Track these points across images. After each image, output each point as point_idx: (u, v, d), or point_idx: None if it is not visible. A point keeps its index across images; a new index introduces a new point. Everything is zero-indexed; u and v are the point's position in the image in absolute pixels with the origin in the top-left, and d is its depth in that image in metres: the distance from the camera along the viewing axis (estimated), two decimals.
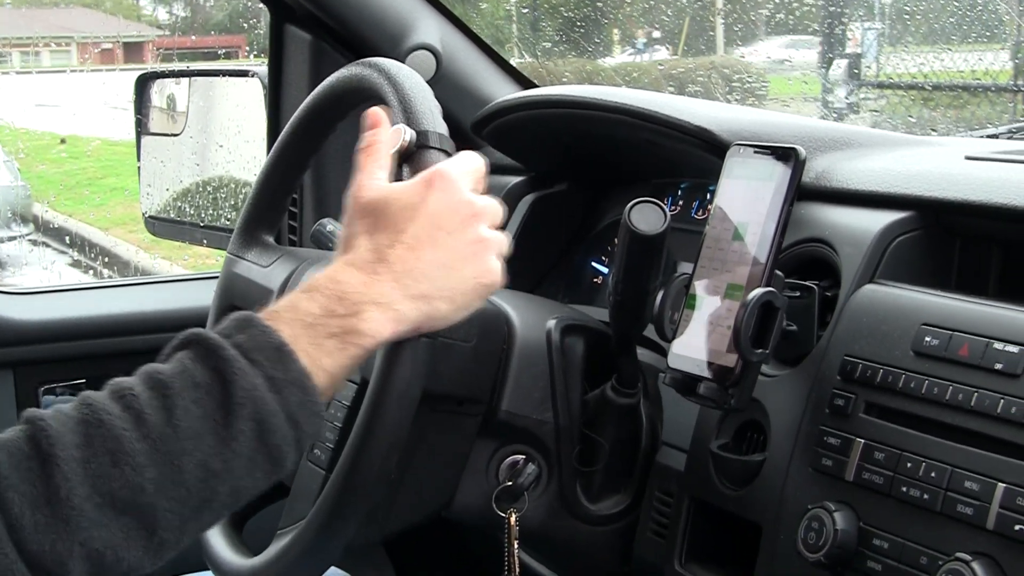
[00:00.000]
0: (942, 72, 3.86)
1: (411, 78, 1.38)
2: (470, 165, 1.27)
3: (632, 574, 1.52)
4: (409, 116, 1.32)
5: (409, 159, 1.30)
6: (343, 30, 2.03)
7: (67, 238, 5.96)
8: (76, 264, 5.85)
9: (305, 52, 2.06)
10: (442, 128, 1.32)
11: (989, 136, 1.82)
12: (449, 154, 1.31)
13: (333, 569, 1.72)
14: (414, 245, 1.17)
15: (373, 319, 1.13)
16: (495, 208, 1.24)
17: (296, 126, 1.57)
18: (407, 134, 1.30)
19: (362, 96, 1.46)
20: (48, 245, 5.88)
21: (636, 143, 1.67)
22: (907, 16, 4.26)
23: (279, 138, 1.59)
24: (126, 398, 1.05)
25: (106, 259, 5.74)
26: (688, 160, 1.64)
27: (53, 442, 1.01)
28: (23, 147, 6.77)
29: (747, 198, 1.31)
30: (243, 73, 2.34)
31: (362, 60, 1.44)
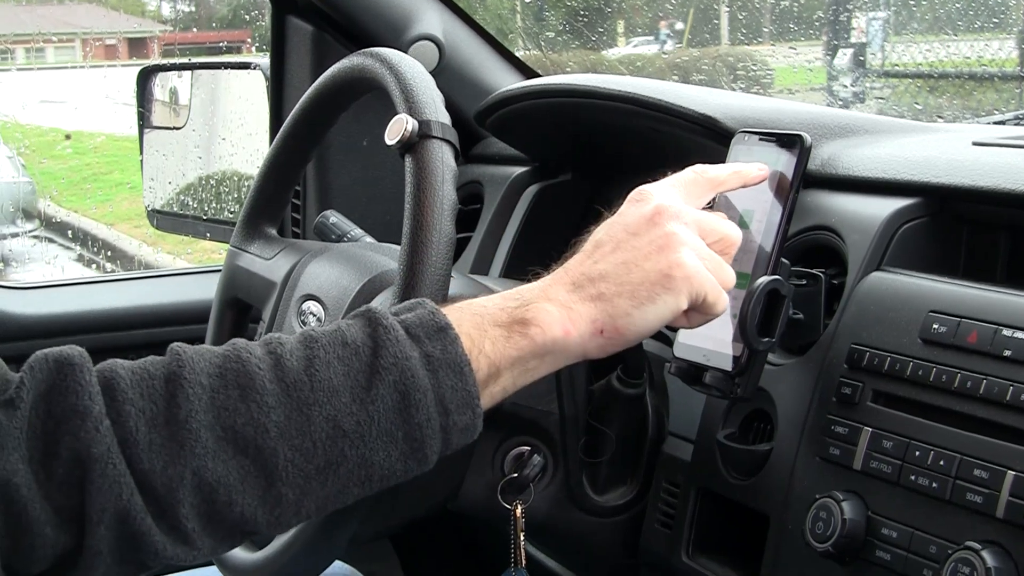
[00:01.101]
0: (948, 60, 3.85)
1: (413, 68, 1.37)
2: (678, 177, 1.21)
3: (639, 566, 1.51)
4: (411, 106, 1.32)
5: (411, 149, 1.29)
6: (345, 21, 2.02)
7: (72, 233, 5.96)
8: (81, 259, 5.85)
9: (307, 43, 2.05)
10: (444, 118, 1.32)
11: (996, 123, 1.81)
12: (452, 144, 1.31)
13: (338, 563, 1.72)
14: (592, 251, 1.14)
15: (542, 310, 1.10)
16: (702, 215, 1.18)
17: (298, 118, 1.56)
18: (409, 124, 1.29)
19: (364, 86, 1.45)
20: (53, 241, 5.87)
21: (640, 132, 1.66)
22: (912, 4, 4.25)
23: (281, 130, 1.59)
24: (271, 344, 1.04)
25: (110, 253, 5.73)
26: (693, 148, 1.63)
27: (183, 364, 1.00)
28: (29, 143, 6.77)
29: (753, 186, 1.30)
30: (245, 65, 2.33)
31: (363, 50, 1.44)
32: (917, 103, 3.47)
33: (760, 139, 1.32)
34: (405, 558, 2.18)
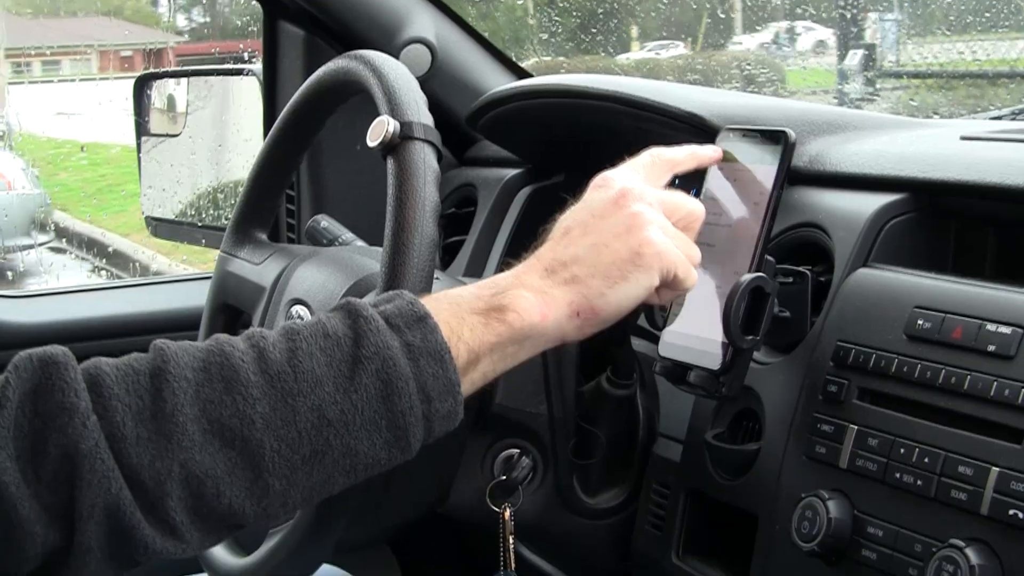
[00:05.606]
0: (959, 60, 3.83)
1: (396, 69, 1.36)
2: (636, 160, 1.25)
3: (631, 568, 1.50)
4: (393, 107, 1.31)
5: (393, 151, 1.29)
6: (336, 25, 2.01)
7: (87, 245, 5.97)
8: (95, 271, 5.87)
9: (299, 48, 2.04)
10: (427, 119, 1.31)
11: (992, 118, 1.79)
12: (434, 145, 1.30)
13: (337, 570, 1.72)
14: (561, 237, 1.16)
15: (519, 297, 1.11)
16: (664, 194, 1.21)
17: (285, 123, 1.56)
18: (390, 125, 1.29)
19: (349, 89, 1.45)
20: (67, 253, 5.89)
21: (630, 131, 1.65)
22: (925, 3, 4.24)
23: (269, 135, 1.58)
24: (254, 337, 1.05)
25: (124, 264, 5.74)
26: None
27: (167, 359, 1.01)
28: (44, 155, 6.78)
29: (737, 183, 1.29)
30: (239, 71, 2.33)
31: (348, 53, 1.43)
32: (913, 100, 3.45)
33: (744, 135, 1.31)
34: (406, 565, 2.17)
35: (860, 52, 4.26)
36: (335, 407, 1.02)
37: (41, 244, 5.64)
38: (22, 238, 5.43)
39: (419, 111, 1.31)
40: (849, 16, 4.38)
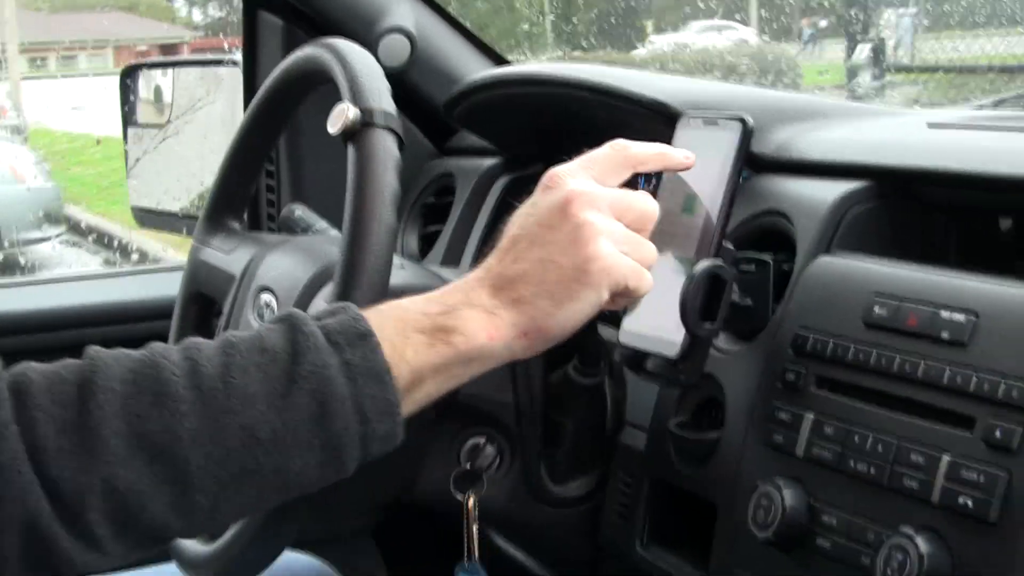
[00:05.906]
0: (969, 57, 3.81)
1: (361, 57, 1.36)
2: (593, 154, 1.19)
3: (600, 557, 1.50)
4: (355, 94, 1.30)
5: (353, 138, 1.28)
6: (315, 14, 2.00)
7: (98, 238, 6.00)
8: (107, 263, 5.90)
9: (277, 38, 2.03)
10: (389, 107, 1.30)
11: (977, 108, 1.78)
12: (396, 132, 1.29)
13: (314, 560, 1.71)
14: (509, 249, 1.12)
15: (466, 318, 1.07)
16: (616, 195, 1.14)
17: (255, 112, 1.55)
18: (351, 112, 1.28)
19: (317, 77, 1.44)
20: (79, 246, 5.92)
21: (604, 120, 1.64)
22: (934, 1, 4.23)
23: (240, 124, 1.58)
24: (189, 349, 1.02)
25: (136, 257, 5.77)
26: (656, 137, 1.61)
27: (96, 369, 0.98)
28: (59, 149, 6.83)
29: (697, 169, 1.27)
30: (220, 61, 2.34)
31: (315, 40, 1.43)
32: (893, 92, 3.44)
33: (705, 122, 1.29)
34: (386, 552, 2.17)
35: (868, 47, 4.25)
36: (267, 426, 1.00)
37: (53, 237, 5.66)
38: (34, 232, 5.45)
39: (381, 98, 1.30)
40: (858, 13, 4.37)
